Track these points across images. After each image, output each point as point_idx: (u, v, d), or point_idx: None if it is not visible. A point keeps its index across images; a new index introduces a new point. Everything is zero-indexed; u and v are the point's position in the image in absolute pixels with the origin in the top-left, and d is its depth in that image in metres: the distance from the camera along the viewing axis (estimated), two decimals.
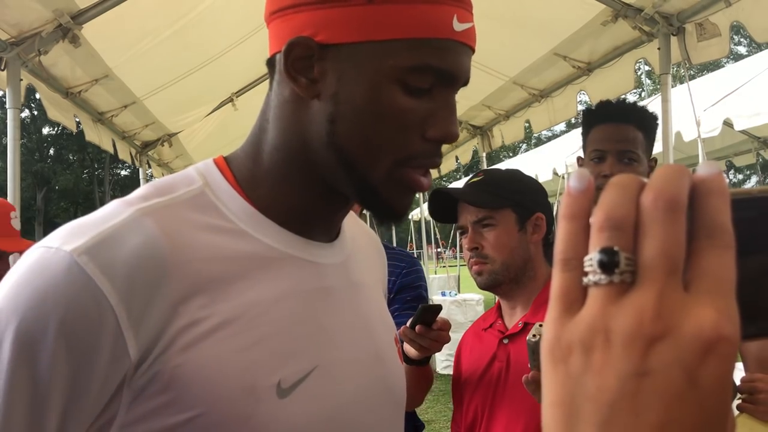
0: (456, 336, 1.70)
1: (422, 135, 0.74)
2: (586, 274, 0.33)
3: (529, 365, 1.22)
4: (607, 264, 0.32)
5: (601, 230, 0.32)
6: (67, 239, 0.66)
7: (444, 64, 0.72)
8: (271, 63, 0.78)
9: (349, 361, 0.79)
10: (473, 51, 0.77)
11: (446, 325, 1.51)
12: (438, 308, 1.49)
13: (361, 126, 0.73)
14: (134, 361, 0.65)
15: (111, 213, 0.69)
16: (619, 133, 1.82)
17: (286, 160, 0.77)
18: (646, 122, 1.86)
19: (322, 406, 0.74)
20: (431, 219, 14.60)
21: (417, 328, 1.48)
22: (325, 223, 0.83)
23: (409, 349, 1.54)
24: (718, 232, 0.32)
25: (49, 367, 0.62)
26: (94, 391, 0.64)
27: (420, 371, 1.60)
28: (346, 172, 0.75)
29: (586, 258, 0.33)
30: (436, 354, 1.62)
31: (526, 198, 1.57)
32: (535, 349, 1.18)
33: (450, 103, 0.75)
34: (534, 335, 1.18)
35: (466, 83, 0.77)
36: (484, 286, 1.56)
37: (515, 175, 1.64)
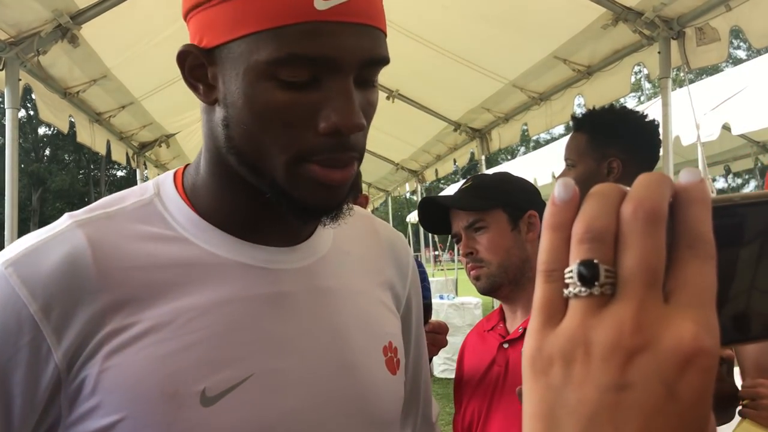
0: (453, 339, 1.69)
1: (315, 129, 0.69)
2: (566, 285, 0.33)
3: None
4: (587, 276, 0.32)
5: (581, 242, 0.32)
6: (5, 251, 0.71)
7: (313, 49, 0.66)
8: None
9: (299, 369, 0.76)
10: (370, 26, 0.70)
11: (442, 328, 1.49)
12: (427, 306, 1.48)
13: (248, 127, 0.70)
14: (62, 366, 0.68)
15: (53, 225, 0.74)
16: (567, 143, 2.01)
17: (211, 167, 0.77)
18: (591, 125, 1.99)
19: (255, 416, 0.72)
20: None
21: None
22: (279, 227, 0.79)
23: None
24: (699, 242, 0.32)
25: None
26: (25, 394, 0.67)
27: None
28: (253, 175, 0.74)
29: (566, 270, 0.33)
30: (434, 358, 1.61)
31: (515, 197, 1.55)
32: None
33: (342, 90, 0.69)
34: None
35: (381, 62, 0.72)
36: (483, 291, 1.54)
37: (503, 176, 1.64)
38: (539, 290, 0.34)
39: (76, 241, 0.71)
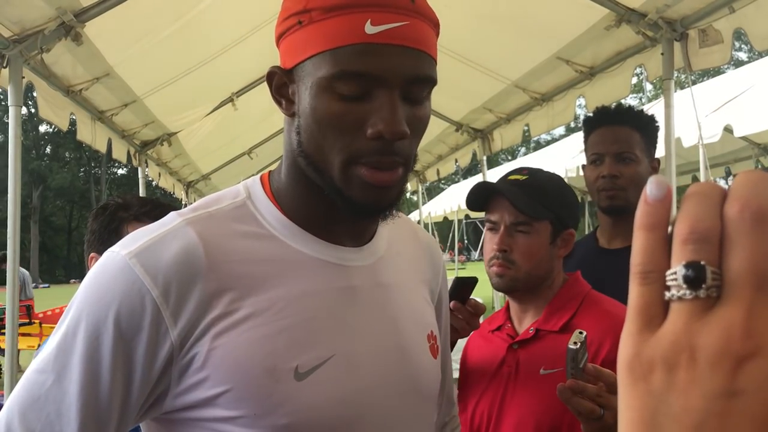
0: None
1: (363, 135, 0.82)
2: (668, 288, 0.32)
3: (565, 374, 1.17)
4: (693, 279, 0.30)
5: (685, 243, 0.31)
6: (125, 245, 0.82)
7: (361, 67, 0.80)
8: None
9: (368, 353, 0.89)
10: (415, 49, 0.82)
11: (479, 310, 1.46)
12: (474, 280, 1.44)
13: (313, 133, 0.84)
14: (176, 343, 0.80)
15: (164, 222, 0.86)
16: (614, 134, 1.90)
17: (292, 172, 0.91)
18: (642, 123, 1.91)
19: (337, 390, 0.85)
20: (430, 221, 14.54)
21: (452, 303, 1.41)
22: (350, 228, 0.93)
23: None
24: None
25: (110, 348, 0.79)
26: (145, 366, 0.80)
27: None
28: (318, 176, 0.86)
29: (669, 272, 0.32)
30: None
31: (565, 212, 1.51)
32: (574, 356, 1.13)
33: (388, 102, 0.81)
34: (575, 342, 1.13)
35: (425, 80, 0.83)
36: (500, 288, 1.51)
37: (559, 183, 1.56)
38: (635, 292, 0.33)
39: (188, 237, 0.83)
